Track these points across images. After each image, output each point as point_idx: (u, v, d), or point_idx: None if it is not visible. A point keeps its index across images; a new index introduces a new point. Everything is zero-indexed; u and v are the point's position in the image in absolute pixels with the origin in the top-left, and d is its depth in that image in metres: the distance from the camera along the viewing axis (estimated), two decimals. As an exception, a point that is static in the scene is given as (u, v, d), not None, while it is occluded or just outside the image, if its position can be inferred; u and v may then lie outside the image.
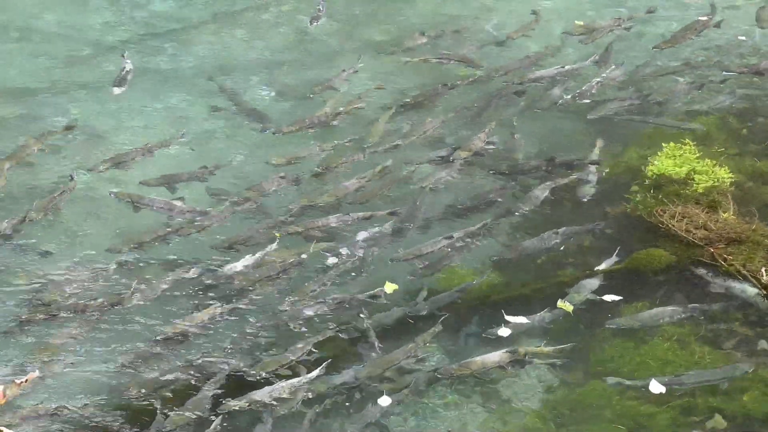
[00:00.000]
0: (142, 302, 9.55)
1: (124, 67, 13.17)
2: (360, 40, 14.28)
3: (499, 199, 10.97)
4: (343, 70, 13.15)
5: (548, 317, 9.39)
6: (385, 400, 8.63)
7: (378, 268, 10.11)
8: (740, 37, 13.80)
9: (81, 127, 12.22)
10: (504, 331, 9.25)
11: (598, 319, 9.39)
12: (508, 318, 9.33)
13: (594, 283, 9.72)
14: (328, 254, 10.17)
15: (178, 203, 10.86)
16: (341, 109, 12.36)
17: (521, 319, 9.33)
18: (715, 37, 13.75)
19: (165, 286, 9.74)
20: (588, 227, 10.43)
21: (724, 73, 12.89)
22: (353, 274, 10.03)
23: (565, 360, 9.01)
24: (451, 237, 10.34)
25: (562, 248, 10.22)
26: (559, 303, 9.44)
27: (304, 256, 10.10)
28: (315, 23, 14.39)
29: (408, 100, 12.62)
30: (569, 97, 12.50)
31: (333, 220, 10.59)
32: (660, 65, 13.19)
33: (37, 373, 8.63)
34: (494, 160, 11.62)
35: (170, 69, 13.58)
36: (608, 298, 9.59)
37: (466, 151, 11.56)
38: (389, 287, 9.83)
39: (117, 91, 12.90)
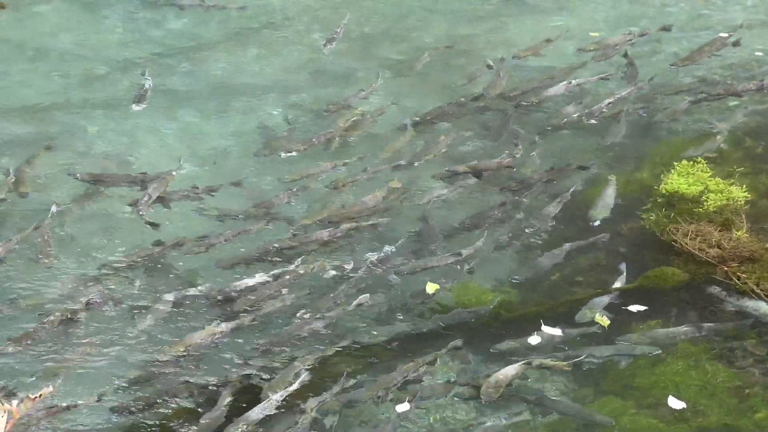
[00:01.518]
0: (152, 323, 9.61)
1: (144, 85, 13.27)
2: (374, 59, 14.31)
3: (498, 214, 10.97)
4: (362, 90, 13.19)
5: (580, 331, 9.42)
6: (403, 407, 8.65)
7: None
8: (757, 53, 13.77)
9: (96, 145, 12.30)
10: (534, 339, 9.27)
11: (612, 336, 9.38)
12: (544, 328, 9.33)
13: (606, 300, 9.72)
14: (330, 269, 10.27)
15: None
16: (341, 126, 12.40)
17: (557, 331, 9.33)
18: (731, 56, 13.71)
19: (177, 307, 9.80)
20: (591, 241, 10.44)
21: (702, 94, 12.74)
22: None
23: (579, 376, 9.01)
24: (459, 254, 10.35)
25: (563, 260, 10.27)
26: (597, 317, 9.46)
27: (301, 271, 10.16)
28: (329, 46, 14.38)
29: (417, 119, 12.64)
30: (576, 116, 12.50)
31: (325, 235, 10.64)
32: (666, 84, 13.15)
33: (50, 389, 8.65)
34: (504, 177, 11.66)
35: (185, 87, 13.64)
36: (633, 308, 9.59)
37: (467, 167, 11.60)
38: (431, 287, 9.88)
39: (137, 108, 12.97)
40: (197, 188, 11.38)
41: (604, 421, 8.47)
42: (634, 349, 9.12)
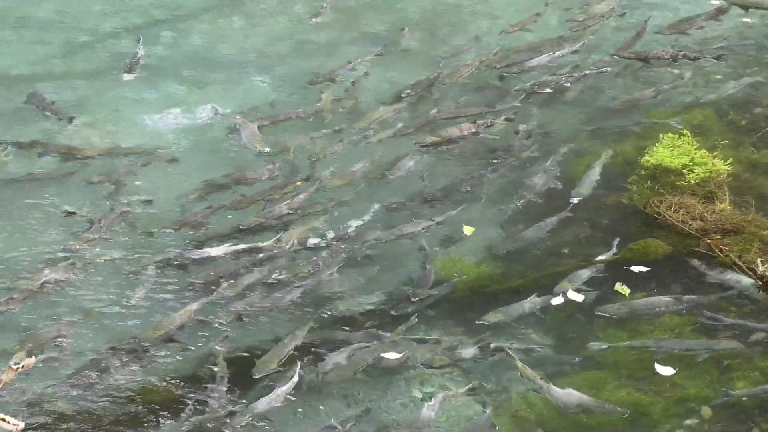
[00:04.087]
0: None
1: (137, 54, 13.19)
2: (359, 31, 14.26)
3: (468, 188, 10.97)
4: (349, 62, 13.13)
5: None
6: (393, 355, 8.87)
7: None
8: (745, 20, 13.72)
9: (77, 114, 12.23)
10: (557, 300, 9.41)
11: (594, 309, 9.41)
12: (570, 294, 9.43)
13: (589, 273, 9.74)
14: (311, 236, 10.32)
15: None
16: (321, 102, 12.36)
17: (580, 297, 9.43)
18: (718, 25, 13.62)
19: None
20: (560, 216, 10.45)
21: (613, 54, 12.83)
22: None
23: (561, 348, 9.07)
24: (432, 220, 10.41)
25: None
26: (617, 286, 9.52)
27: (280, 244, 10.19)
28: (315, 20, 14.30)
29: (411, 92, 12.59)
30: (529, 84, 12.46)
31: (285, 208, 10.66)
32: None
33: (33, 359, 8.64)
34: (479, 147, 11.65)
35: (167, 57, 13.57)
36: (636, 269, 9.66)
37: (435, 137, 11.60)
38: (467, 230, 10.07)
39: (127, 77, 12.92)
40: (135, 162, 11.29)
41: None
42: None
